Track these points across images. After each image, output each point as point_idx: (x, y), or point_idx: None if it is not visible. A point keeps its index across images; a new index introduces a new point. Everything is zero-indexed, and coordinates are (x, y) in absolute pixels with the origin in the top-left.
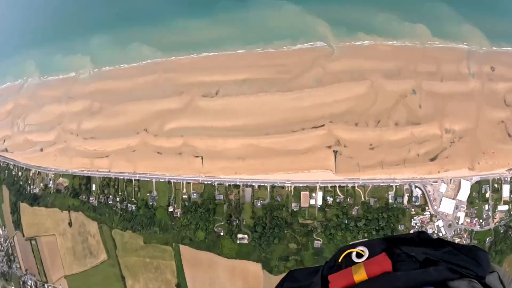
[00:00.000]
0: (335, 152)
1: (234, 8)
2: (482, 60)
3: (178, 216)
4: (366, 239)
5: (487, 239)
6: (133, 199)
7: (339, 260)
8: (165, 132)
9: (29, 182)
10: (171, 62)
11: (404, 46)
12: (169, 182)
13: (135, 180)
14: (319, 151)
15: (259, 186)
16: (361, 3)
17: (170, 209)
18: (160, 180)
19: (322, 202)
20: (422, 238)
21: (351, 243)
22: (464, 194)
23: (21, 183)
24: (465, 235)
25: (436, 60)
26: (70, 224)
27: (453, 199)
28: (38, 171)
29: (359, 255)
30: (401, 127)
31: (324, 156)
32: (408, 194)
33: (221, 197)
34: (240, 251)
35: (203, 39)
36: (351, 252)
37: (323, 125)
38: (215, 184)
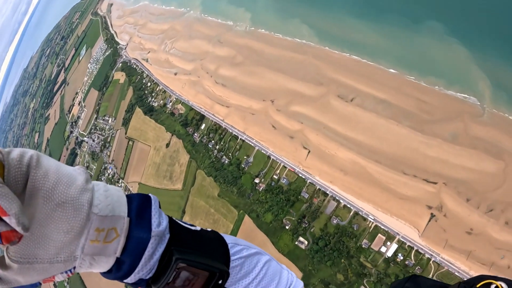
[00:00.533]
0: (432, 215)
1: (404, 26)
2: None
3: (260, 190)
4: (509, 278)
5: None
6: (230, 154)
7: (477, 286)
8: (288, 111)
9: (153, 94)
10: (323, 51)
11: None
12: (268, 157)
13: (240, 139)
14: (417, 205)
15: (344, 206)
16: None
17: (257, 180)
18: (262, 151)
19: (391, 255)
20: None
21: (492, 275)
22: None
23: (145, 92)
24: None
25: None
26: (167, 145)
27: None
28: (164, 90)
29: None
30: (510, 229)
31: (419, 213)
32: None
33: (306, 195)
34: (292, 252)
35: (361, 42)
36: (490, 283)
37: (435, 183)
38: (307, 181)
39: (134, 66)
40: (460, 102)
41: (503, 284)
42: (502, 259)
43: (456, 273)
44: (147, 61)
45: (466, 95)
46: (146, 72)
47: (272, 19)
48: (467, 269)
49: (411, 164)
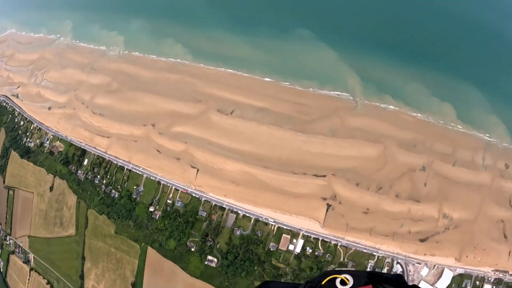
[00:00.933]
0: (328, 205)
1: (275, 36)
2: (498, 155)
3: (157, 218)
4: (352, 269)
5: None
6: (118, 186)
7: (323, 283)
8: (171, 133)
9: (28, 134)
10: (198, 68)
11: (427, 121)
12: (158, 183)
13: (127, 169)
14: (312, 200)
15: (243, 216)
16: (398, 67)
17: (151, 209)
18: (151, 177)
19: (301, 251)
20: (400, 282)
21: (337, 269)
22: (444, 283)
23: (19, 132)
24: None
25: (453, 144)
26: (51, 188)
27: (432, 285)
28: (39, 127)
29: (343, 283)
30: (401, 200)
31: (316, 206)
32: (387, 268)
33: (204, 214)
34: (204, 272)
35: (235, 56)
36: (335, 278)
37: (324, 176)
38: (202, 199)
39: (4, 104)
40: (334, 100)
41: (348, 276)
42: (401, 227)
43: (364, 250)
44: (17, 97)
45: (339, 92)
46: (18, 110)
47: (145, 41)
48: (373, 244)
49: (299, 164)
